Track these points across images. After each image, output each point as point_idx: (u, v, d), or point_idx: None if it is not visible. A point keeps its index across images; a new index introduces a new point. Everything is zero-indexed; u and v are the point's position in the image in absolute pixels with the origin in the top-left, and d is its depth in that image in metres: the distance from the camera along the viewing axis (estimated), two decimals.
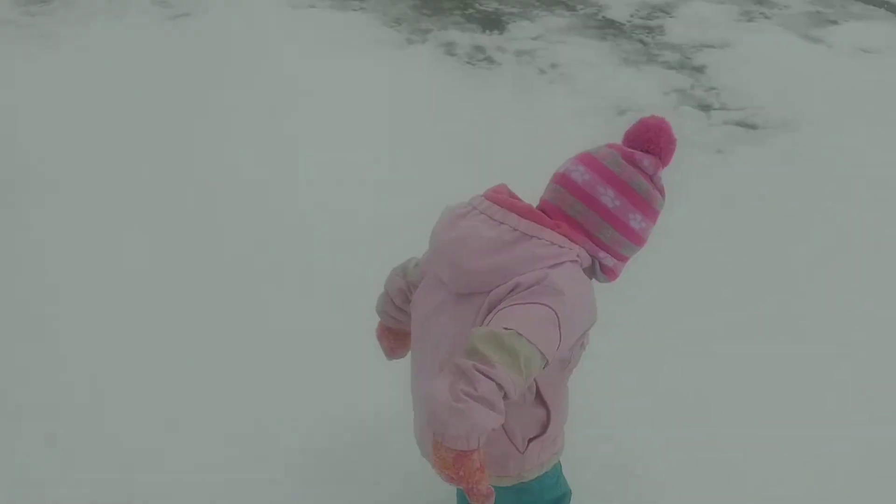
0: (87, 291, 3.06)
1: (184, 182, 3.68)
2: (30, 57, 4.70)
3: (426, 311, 1.83)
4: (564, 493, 2.06)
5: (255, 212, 3.51)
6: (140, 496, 2.36)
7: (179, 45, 4.85)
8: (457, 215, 1.79)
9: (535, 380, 1.74)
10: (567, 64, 4.84)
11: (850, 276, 3.27)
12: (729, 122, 4.35)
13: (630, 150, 1.80)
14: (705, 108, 4.47)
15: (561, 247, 1.70)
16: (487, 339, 1.55)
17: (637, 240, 1.82)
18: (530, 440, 1.85)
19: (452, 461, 1.53)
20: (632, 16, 5.54)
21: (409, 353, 1.97)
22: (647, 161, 1.78)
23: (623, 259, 1.84)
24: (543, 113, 4.26)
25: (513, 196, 1.82)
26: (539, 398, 1.81)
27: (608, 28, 5.37)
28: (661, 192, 1.82)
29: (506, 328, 1.57)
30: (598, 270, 1.83)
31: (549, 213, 1.79)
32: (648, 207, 1.80)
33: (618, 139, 1.84)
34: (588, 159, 1.81)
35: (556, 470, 2.00)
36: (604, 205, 1.77)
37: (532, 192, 1.85)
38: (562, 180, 1.81)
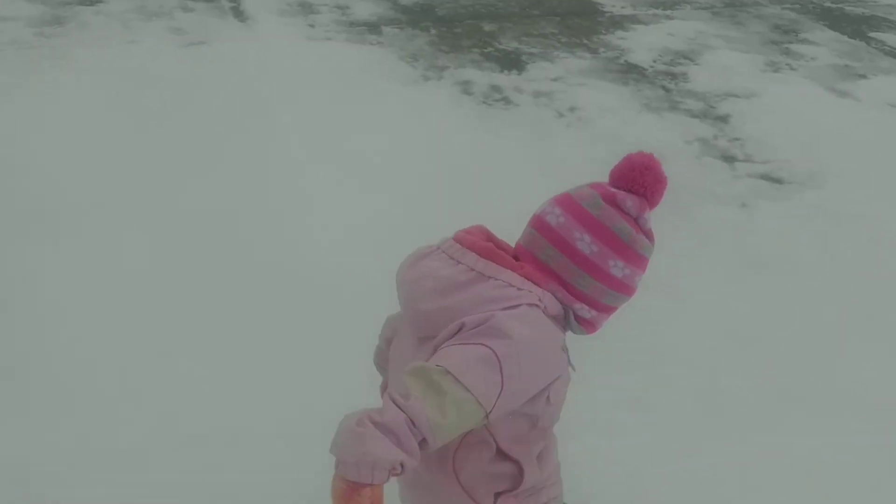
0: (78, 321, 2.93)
1: (188, 211, 3.55)
2: (40, 78, 4.63)
3: (397, 359, 1.72)
4: None
5: (255, 245, 3.35)
6: None
7: (192, 73, 4.79)
8: (420, 255, 1.68)
9: (492, 435, 1.60)
10: (586, 107, 4.71)
11: (880, 344, 3.10)
12: (753, 175, 4.19)
13: (613, 189, 1.64)
14: (729, 159, 4.32)
15: (519, 289, 1.56)
16: (416, 373, 1.44)
17: (622, 288, 1.66)
18: (499, 494, 1.68)
19: (342, 492, 1.36)
20: (654, 61, 5.43)
21: None
22: (630, 202, 1.62)
23: (607, 310, 1.68)
24: (560, 159, 4.12)
25: (489, 238, 1.69)
26: (501, 453, 1.65)
27: (630, 73, 5.25)
28: (648, 235, 1.66)
29: (438, 364, 1.45)
30: (573, 321, 1.67)
31: (522, 258, 1.65)
32: (632, 253, 1.64)
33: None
34: (566, 201, 1.66)
35: None
36: (579, 251, 1.62)
37: None
38: (536, 223, 1.67)
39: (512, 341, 1.48)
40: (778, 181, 4.16)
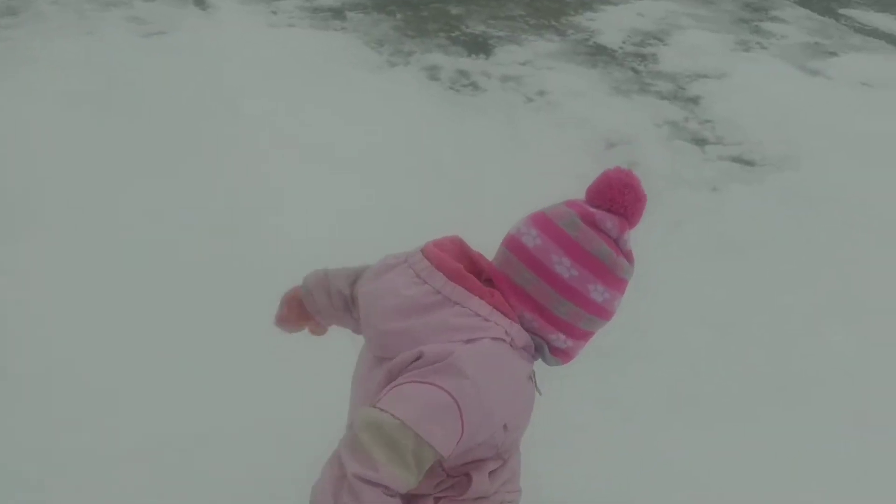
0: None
1: (154, 203, 3.46)
2: None
3: (358, 372, 1.65)
4: None
5: (225, 241, 3.25)
6: None
7: (153, 65, 4.64)
8: (385, 266, 1.60)
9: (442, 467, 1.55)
10: (555, 91, 4.62)
11: (853, 326, 3.07)
12: (725, 158, 4.14)
13: (591, 209, 1.55)
14: (700, 142, 4.26)
15: (486, 319, 1.49)
16: (371, 429, 1.39)
17: (600, 313, 1.58)
18: (439, 499, 1.61)
19: None
20: (624, 42, 5.35)
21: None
22: (610, 223, 1.54)
23: (584, 336, 1.61)
24: (529, 144, 4.05)
25: (464, 252, 1.60)
26: (451, 477, 1.59)
27: (599, 55, 5.17)
28: (628, 257, 1.58)
29: (394, 415, 1.39)
30: (547, 353, 1.59)
31: (497, 281, 1.56)
32: (612, 276, 1.55)
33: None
34: (542, 220, 1.57)
35: None
36: (558, 275, 1.53)
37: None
38: (511, 244, 1.58)
39: (471, 382, 1.42)
40: (750, 163, 4.11)
